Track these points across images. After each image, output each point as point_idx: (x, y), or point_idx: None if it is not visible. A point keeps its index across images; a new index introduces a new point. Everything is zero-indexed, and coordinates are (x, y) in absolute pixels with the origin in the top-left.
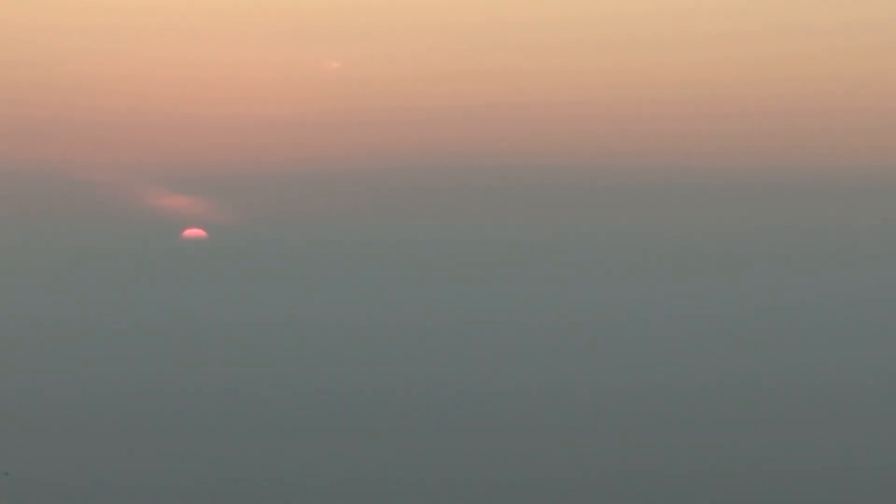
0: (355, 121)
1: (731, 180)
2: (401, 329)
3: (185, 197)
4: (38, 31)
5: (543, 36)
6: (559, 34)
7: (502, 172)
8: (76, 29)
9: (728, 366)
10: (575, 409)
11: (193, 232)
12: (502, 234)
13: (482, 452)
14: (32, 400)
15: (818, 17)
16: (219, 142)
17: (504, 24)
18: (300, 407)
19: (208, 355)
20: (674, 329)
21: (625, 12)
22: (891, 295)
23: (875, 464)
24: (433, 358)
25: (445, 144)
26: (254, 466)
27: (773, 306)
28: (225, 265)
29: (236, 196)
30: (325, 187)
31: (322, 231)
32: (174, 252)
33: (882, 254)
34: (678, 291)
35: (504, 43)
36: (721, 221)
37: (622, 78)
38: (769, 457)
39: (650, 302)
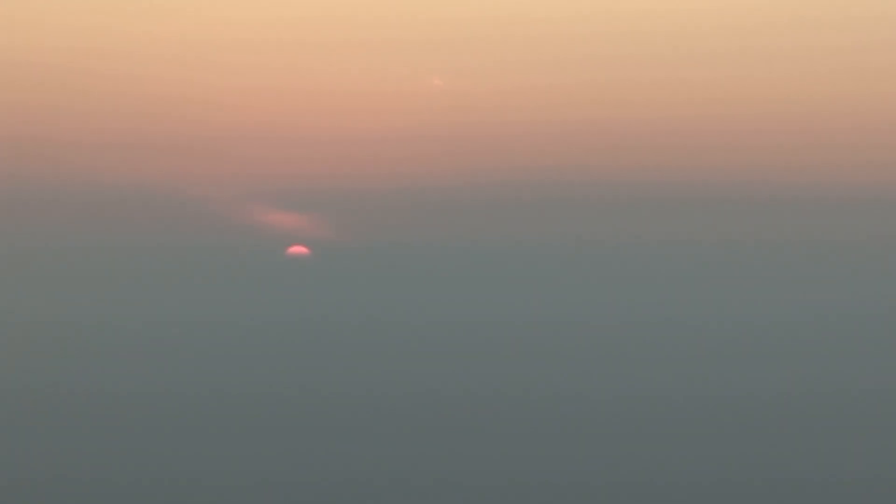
0: (458, 137)
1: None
2: (527, 341)
3: (288, 213)
4: (138, 44)
5: (654, 48)
6: (669, 46)
7: (607, 190)
8: (174, 43)
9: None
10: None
11: (297, 249)
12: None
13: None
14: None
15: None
16: (321, 158)
17: (609, 36)
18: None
19: (314, 369)
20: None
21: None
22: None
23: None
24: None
25: (549, 160)
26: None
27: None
28: (328, 282)
29: (338, 213)
30: (428, 203)
31: (428, 247)
32: (278, 270)
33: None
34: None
35: (611, 55)
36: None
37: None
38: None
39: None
